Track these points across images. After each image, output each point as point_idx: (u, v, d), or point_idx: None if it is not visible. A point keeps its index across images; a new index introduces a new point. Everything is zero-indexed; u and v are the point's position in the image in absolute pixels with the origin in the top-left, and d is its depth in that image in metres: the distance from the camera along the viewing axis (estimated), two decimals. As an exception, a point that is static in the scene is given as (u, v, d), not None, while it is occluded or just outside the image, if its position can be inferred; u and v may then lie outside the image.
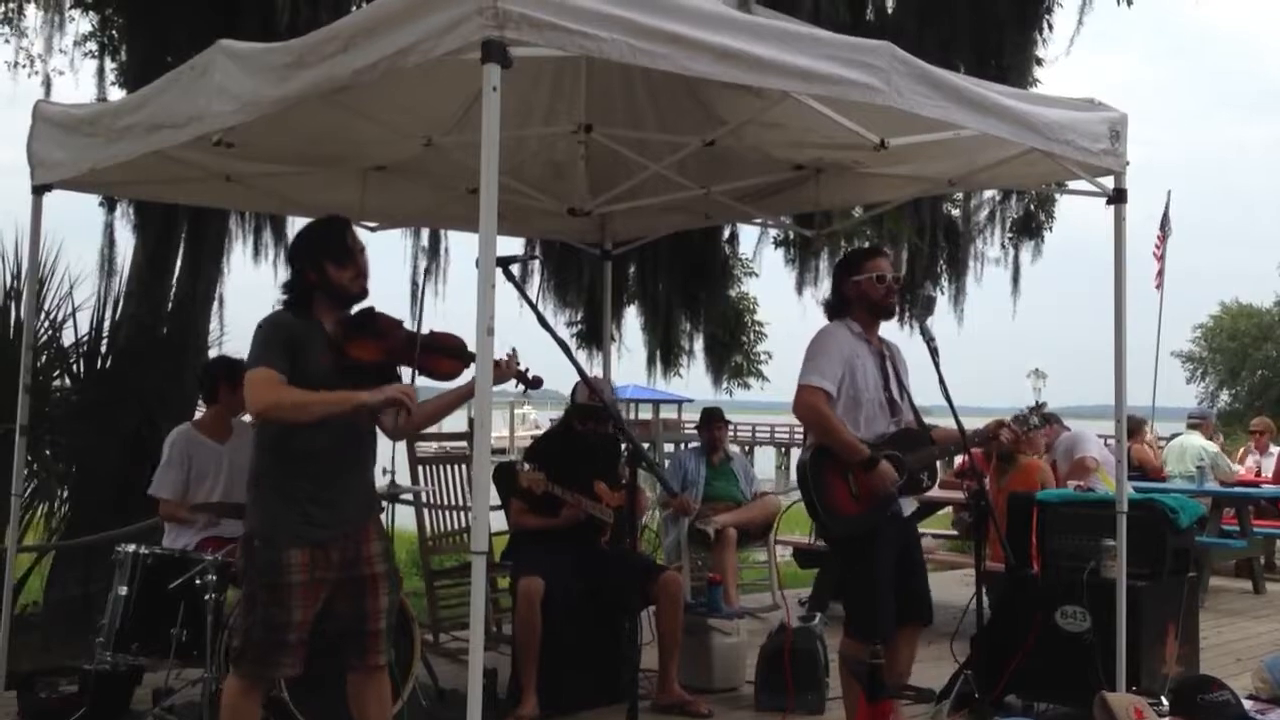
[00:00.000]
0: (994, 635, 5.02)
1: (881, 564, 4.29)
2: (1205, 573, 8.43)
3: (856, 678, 4.29)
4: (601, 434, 5.29)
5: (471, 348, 3.04)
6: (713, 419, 7.64)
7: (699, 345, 10.69)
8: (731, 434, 8.63)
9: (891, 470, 4.24)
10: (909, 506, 4.45)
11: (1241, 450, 11.33)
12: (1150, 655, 5.04)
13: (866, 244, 9.21)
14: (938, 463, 4.70)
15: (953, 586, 7.81)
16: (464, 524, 6.52)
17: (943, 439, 4.49)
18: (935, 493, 5.89)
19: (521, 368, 3.72)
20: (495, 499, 5.54)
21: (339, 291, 3.56)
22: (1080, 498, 5.69)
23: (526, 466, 4.83)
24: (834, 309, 4.52)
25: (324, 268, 3.53)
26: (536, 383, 3.84)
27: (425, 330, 3.67)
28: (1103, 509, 5.12)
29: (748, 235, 10.13)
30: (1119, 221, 4.71)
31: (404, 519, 6.36)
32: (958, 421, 4.39)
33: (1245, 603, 8.79)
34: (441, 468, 6.61)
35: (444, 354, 3.67)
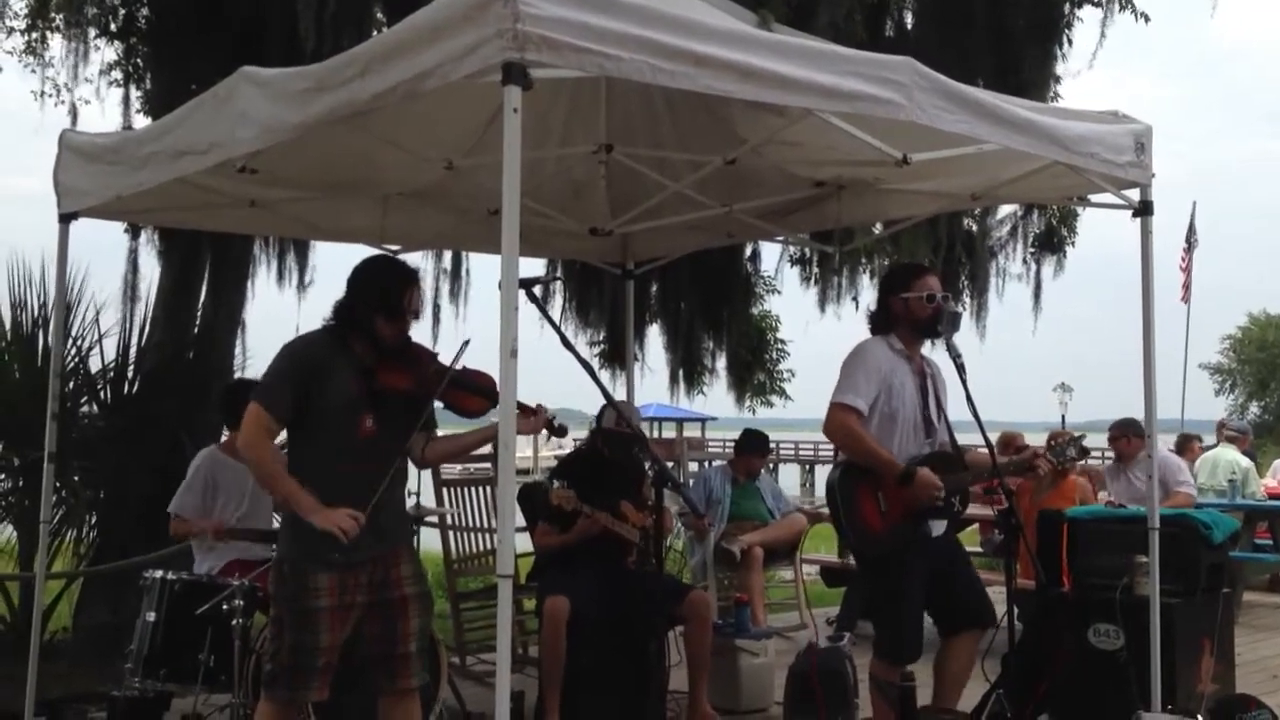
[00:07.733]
0: (1026, 654, 4.95)
1: (910, 585, 4.24)
2: (1239, 588, 8.32)
3: (887, 700, 4.24)
4: (627, 456, 5.28)
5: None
6: (753, 449, 7.38)
7: (721, 363, 10.62)
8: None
9: (932, 476, 4.15)
10: (938, 528, 4.38)
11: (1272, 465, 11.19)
12: (1186, 674, 4.96)
13: (888, 260, 9.16)
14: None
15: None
16: (489, 546, 6.51)
17: (976, 463, 4.39)
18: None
19: (549, 415, 3.75)
20: (521, 520, 5.54)
21: (379, 341, 3.61)
22: (1111, 514, 5.62)
23: (556, 484, 4.82)
24: (878, 324, 4.47)
25: (373, 317, 3.59)
26: (562, 431, 3.91)
27: (459, 366, 3.69)
28: (1134, 525, 5.05)
29: (770, 252, 10.09)
30: (1146, 234, 4.67)
31: (429, 541, 6.36)
32: (989, 448, 4.33)
33: (1279, 618, 8.66)
34: (466, 489, 6.60)
35: (473, 392, 3.70)
